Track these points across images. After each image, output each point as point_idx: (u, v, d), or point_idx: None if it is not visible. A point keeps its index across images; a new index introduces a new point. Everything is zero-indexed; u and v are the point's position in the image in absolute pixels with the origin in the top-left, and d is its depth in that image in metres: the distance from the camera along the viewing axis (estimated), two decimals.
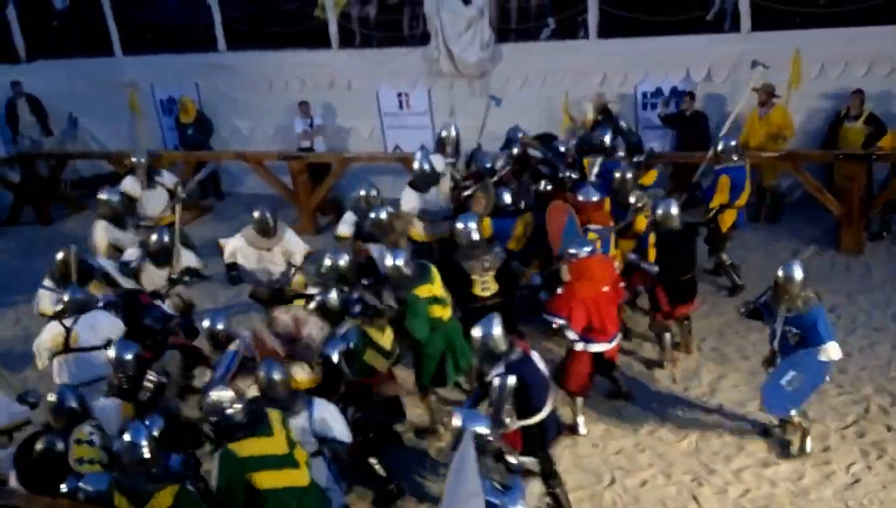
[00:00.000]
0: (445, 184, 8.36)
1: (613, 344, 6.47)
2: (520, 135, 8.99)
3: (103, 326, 6.27)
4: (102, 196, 8.30)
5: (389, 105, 11.74)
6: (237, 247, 7.68)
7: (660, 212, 6.99)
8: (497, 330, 5.23)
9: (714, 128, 9.80)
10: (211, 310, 6.73)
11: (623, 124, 9.37)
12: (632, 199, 7.65)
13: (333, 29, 11.66)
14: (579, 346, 6.27)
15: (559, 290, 6.43)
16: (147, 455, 4.53)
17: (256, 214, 7.61)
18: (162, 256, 7.56)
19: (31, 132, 13.19)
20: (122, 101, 13.19)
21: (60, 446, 4.91)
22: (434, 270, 6.36)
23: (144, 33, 13.05)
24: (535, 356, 5.44)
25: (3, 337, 8.99)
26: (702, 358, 7.36)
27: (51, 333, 6.35)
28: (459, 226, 6.79)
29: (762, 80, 9.49)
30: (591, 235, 7.19)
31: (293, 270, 7.65)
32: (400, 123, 11.58)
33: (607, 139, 8.48)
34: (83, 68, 13.23)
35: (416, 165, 8.26)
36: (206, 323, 6.17)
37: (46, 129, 13.34)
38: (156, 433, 4.91)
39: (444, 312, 6.29)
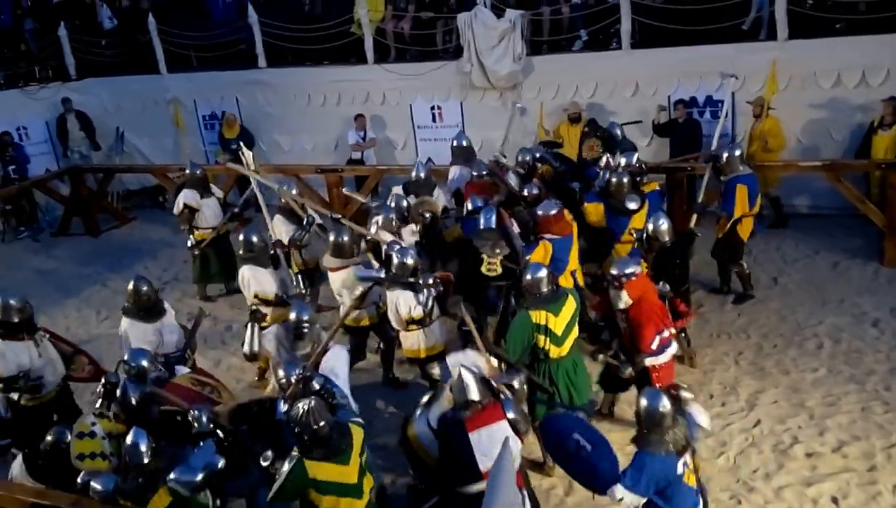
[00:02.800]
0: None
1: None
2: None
3: None
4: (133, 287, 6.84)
5: (423, 118, 11.90)
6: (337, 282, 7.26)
7: (650, 226, 6.95)
8: (470, 382, 4.93)
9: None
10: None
11: (617, 132, 9.20)
12: (632, 205, 7.65)
13: (369, 44, 11.88)
14: (650, 361, 6.04)
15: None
16: (146, 459, 4.66)
17: (332, 237, 7.30)
18: None
19: (80, 146, 13.65)
20: (167, 117, 13.64)
21: (69, 438, 5.07)
22: (571, 301, 6.01)
23: (188, 52, 13.39)
24: (497, 428, 4.84)
25: None
26: (739, 373, 7.23)
27: None
28: (482, 219, 7.14)
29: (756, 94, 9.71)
30: (545, 244, 7.14)
31: None
32: (432, 136, 11.70)
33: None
34: (130, 86, 13.70)
35: (413, 173, 8.63)
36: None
37: (95, 144, 13.79)
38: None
39: (553, 348, 5.91)
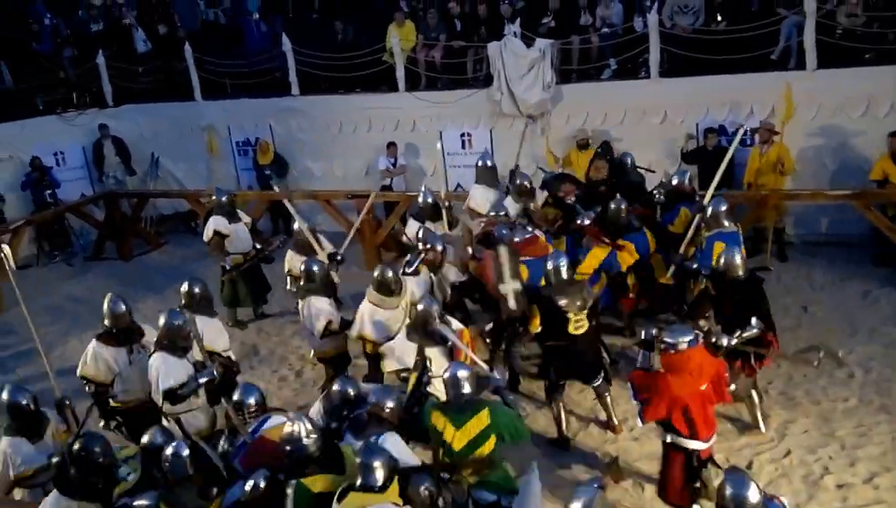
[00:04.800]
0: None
1: (710, 443, 5.60)
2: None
3: None
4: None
5: (453, 145, 12.01)
6: (365, 314, 7.08)
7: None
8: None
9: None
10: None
11: (627, 161, 9.32)
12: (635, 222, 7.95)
13: (400, 73, 12.08)
14: (668, 438, 5.55)
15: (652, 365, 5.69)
16: (191, 470, 4.70)
17: (376, 273, 7.11)
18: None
19: (115, 172, 13.90)
20: (201, 143, 13.90)
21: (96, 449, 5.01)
22: (481, 418, 5.17)
23: (223, 79, 13.66)
24: None
25: None
26: (769, 402, 7.15)
27: None
28: (550, 264, 6.72)
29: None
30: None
31: None
32: (461, 162, 11.81)
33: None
34: (165, 112, 13.98)
35: (419, 199, 8.98)
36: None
37: (130, 169, 14.06)
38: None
39: (447, 460, 5.19)
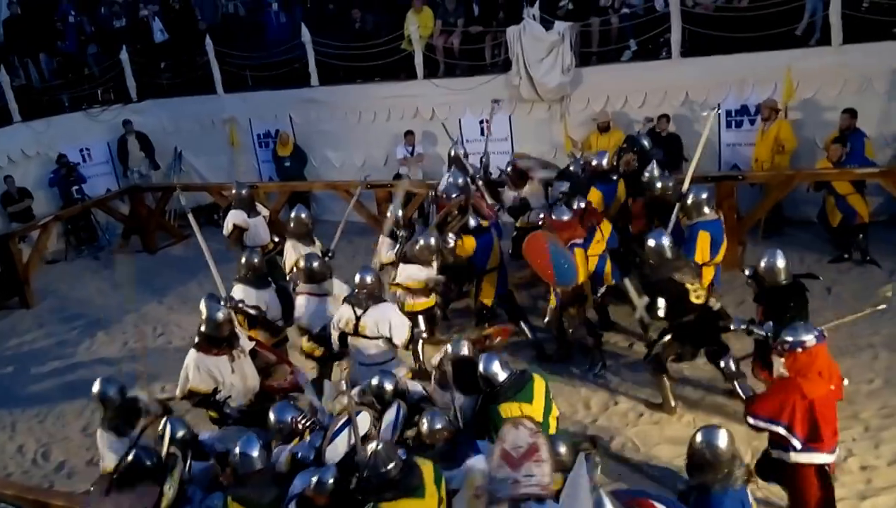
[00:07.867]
0: None
1: (836, 453, 5.21)
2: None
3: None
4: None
5: (472, 132, 11.92)
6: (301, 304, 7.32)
7: (762, 265, 6.10)
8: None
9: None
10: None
11: (645, 143, 9.01)
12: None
13: (419, 60, 12.03)
14: (803, 458, 5.03)
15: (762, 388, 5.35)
16: (260, 465, 4.64)
17: (301, 264, 7.44)
18: None
19: (139, 166, 14.08)
20: (223, 137, 14.01)
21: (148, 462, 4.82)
22: (539, 381, 5.25)
23: (244, 72, 13.72)
24: None
25: (113, 357, 9.49)
26: None
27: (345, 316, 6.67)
28: (652, 243, 6.52)
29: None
30: (578, 251, 7.16)
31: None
32: (481, 150, 11.66)
33: None
34: (187, 106, 14.11)
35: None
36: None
37: (154, 163, 14.23)
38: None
39: None
